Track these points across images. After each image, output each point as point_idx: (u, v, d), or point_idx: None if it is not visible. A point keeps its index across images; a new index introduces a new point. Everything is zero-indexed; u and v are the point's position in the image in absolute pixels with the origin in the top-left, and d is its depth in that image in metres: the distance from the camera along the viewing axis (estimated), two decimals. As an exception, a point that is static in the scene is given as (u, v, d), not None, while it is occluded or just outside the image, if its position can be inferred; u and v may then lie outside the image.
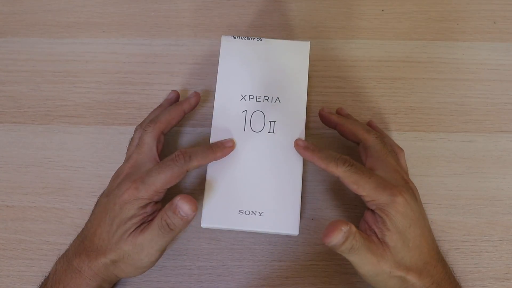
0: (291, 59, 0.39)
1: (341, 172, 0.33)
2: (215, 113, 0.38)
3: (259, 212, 0.35)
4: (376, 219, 0.33)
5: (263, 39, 0.39)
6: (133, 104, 0.44)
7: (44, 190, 0.41)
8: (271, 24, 0.46)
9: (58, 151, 0.43)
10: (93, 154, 0.42)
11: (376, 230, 0.33)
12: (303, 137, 0.37)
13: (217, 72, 0.39)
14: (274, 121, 0.37)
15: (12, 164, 0.42)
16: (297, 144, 0.36)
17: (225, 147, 0.36)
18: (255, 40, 0.39)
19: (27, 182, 0.42)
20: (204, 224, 0.35)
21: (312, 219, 0.40)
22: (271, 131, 0.37)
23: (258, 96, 0.38)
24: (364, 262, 0.32)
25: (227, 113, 0.38)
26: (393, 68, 0.44)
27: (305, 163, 0.37)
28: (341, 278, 0.39)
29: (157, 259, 0.34)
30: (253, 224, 0.35)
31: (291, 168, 0.36)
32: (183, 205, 0.32)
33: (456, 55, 0.45)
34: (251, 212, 0.35)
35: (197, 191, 0.41)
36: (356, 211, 0.40)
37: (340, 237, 0.30)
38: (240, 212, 0.35)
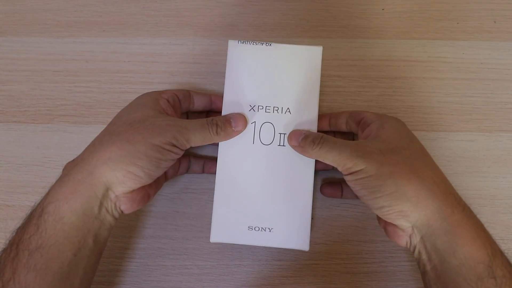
0: (302, 66, 0.37)
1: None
2: None
3: (268, 228, 0.35)
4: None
5: (273, 44, 0.37)
6: (133, 103, 0.44)
7: (44, 189, 0.41)
8: (272, 23, 0.46)
9: (58, 150, 0.43)
10: (93, 154, 0.42)
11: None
12: None
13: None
14: (284, 134, 0.36)
15: (12, 163, 0.42)
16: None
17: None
18: (264, 45, 0.37)
19: (27, 181, 0.42)
20: (213, 239, 0.35)
21: (312, 218, 0.40)
22: (281, 144, 0.36)
23: (267, 107, 0.36)
24: (345, 150, 0.32)
25: None
26: (393, 68, 0.44)
27: (315, 176, 0.36)
28: (341, 277, 0.39)
29: (170, 159, 0.33)
30: (263, 240, 0.35)
31: (302, 182, 0.35)
32: (238, 119, 0.35)
33: (456, 54, 0.45)
34: (260, 228, 0.35)
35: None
36: (355, 210, 0.40)
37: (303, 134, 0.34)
38: (250, 228, 0.35)
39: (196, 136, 0.33)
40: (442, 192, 0.31)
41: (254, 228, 0.35)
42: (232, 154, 0.36)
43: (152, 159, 0.32)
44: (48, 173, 0.42)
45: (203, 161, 0.40)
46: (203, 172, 0.40)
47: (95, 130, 0.43)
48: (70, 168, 0.32)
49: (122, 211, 0.33)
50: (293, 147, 0.35)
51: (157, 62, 0.45)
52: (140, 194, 0.34)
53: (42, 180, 0.42)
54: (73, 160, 0.33)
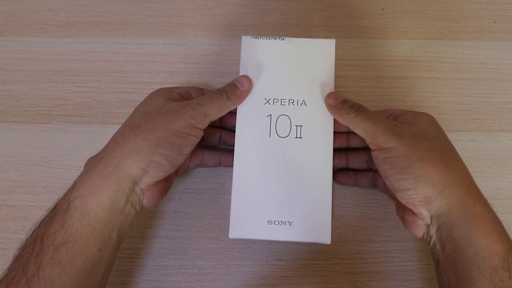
0: (316, 58, 0.37)
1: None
2: (238, 118, 0.36)
3: (288, 222, 0.34)
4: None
5: (286, 39, 0.38)
6: (133, 103, 0.43)
7: (44, 189, 0.41)
8: (272, 23, 0.46)
9: (58, 150, 0.43)
10: (93, 154, 0.42)
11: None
12: (331, 142, 0.36)
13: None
14: (301, 126, 0.36)
15: (12, 163, 0.42)
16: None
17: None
18: (277, 39, 0.38)
19: (27, 181, 0.42)
20: (232, 234, 0.35)
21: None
22: (298, 136, 0.36)
23: (283, 100, 0.36)
24: (379, 123, 0.32)
25: (251, 118, 0.36)
26: (393, 68, 0.44)
27: (334, 168, 0.36)
28: (341, 277, 0.39)
29: (195, 137, 0.33)
30: (283, 234, 0.34)
31: (320, 174, 0.35)
32: (241, 79, 0.36)
33: (456, 54, 0.45)
34: (280, 222, 0.34)
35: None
36: (355, 210, 0.40)
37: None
38: (269, 222, 0.34)
39: (211, 108, 0.34)
40: (467, 184, 0.31)
41: (274, 222, 0.34)
42: (249, 147, 0.36)
43: (174, 146, 0.32)
44: (48, 173, 0.42)
45: (220, 154, 0.40)
46: (219, 165, 0.40)
47: (95, 130, 0.43)
48: (94, 163, 0.32)
49: (142, 206, 0.34)
50: (329, 106, 0.35)
51: (157, 62, 0.45)
52: (160, 188, 0.34)
53: (42, 180, 0.42)
54: (96, 155, 0.33)
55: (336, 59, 0.44)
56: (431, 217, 0.31)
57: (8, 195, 0.41)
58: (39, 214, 0.40)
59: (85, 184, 0.31)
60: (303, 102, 0.36)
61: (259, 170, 0.35)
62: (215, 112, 0.34)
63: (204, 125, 0.34)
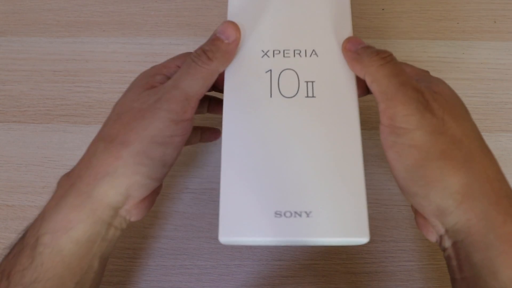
0: (326, 2, 0.29)
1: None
2: (226, 78, 0.28)
3: (305, 213, 0.24)
4: None
5: None
6: (133, 103, 0.44)
7: (44, 189, 0.41)
8: (271, 23, 0.46)
9: (58, 150, 0.43)
10: (93, 153, 0.42)
11: None
12: (355, 98, 0.27)
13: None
14: (312, 81, 0.27)
15: (12, 163, 0.42)
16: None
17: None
18: None
19: (27, 181, 0.42)
20: (223, 237, 0.25)
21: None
22: (310, 94, 0.27)
23: (286, 50, 0.28)
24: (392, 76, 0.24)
25: (244, 76, 0.28)
26: (393, 67, 0.44)
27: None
28: (341, 277, 0.39)
29: (185, 119, 0.26)
30: (299, 231, 0.24)
31: (345, 143, 0.25)
32: (224, 28, 0.27)
33: (456, 54, 0.45)
34: (293, 213, 0.24)
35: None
36: (356, 210, 0.40)
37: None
38: (278, 214, 0.24)
39: (191, 86, 0.26)
40: (496, 192, 0.23)
41: (285, 214, 0.24)
42: (243, 114, 0.27)
43: (156, 159, 0.26)
44: (48, 173, 0.42)
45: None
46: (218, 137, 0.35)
47: (95, 130, 0.43)
48: (66, 188, 0.27)
49: (129, 220, 0.30)
50: (346, 51, 0.27)
51: (157, 62, 0.45)
52: (149, 199, 0.29)
53: (42, 180, 0.42)
54: (68, 174, 0.28)
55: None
56: (446, 230, 0.25)
57: (8, 195, 0.41)
58: (39, 214, 0.40)
59: (55, 216, 0.26)
60: (313, 52, 0.28)
61: (259, 142, 0.26)
62: (198, 87, 0.26)
63: (190, 112, 0.26)
